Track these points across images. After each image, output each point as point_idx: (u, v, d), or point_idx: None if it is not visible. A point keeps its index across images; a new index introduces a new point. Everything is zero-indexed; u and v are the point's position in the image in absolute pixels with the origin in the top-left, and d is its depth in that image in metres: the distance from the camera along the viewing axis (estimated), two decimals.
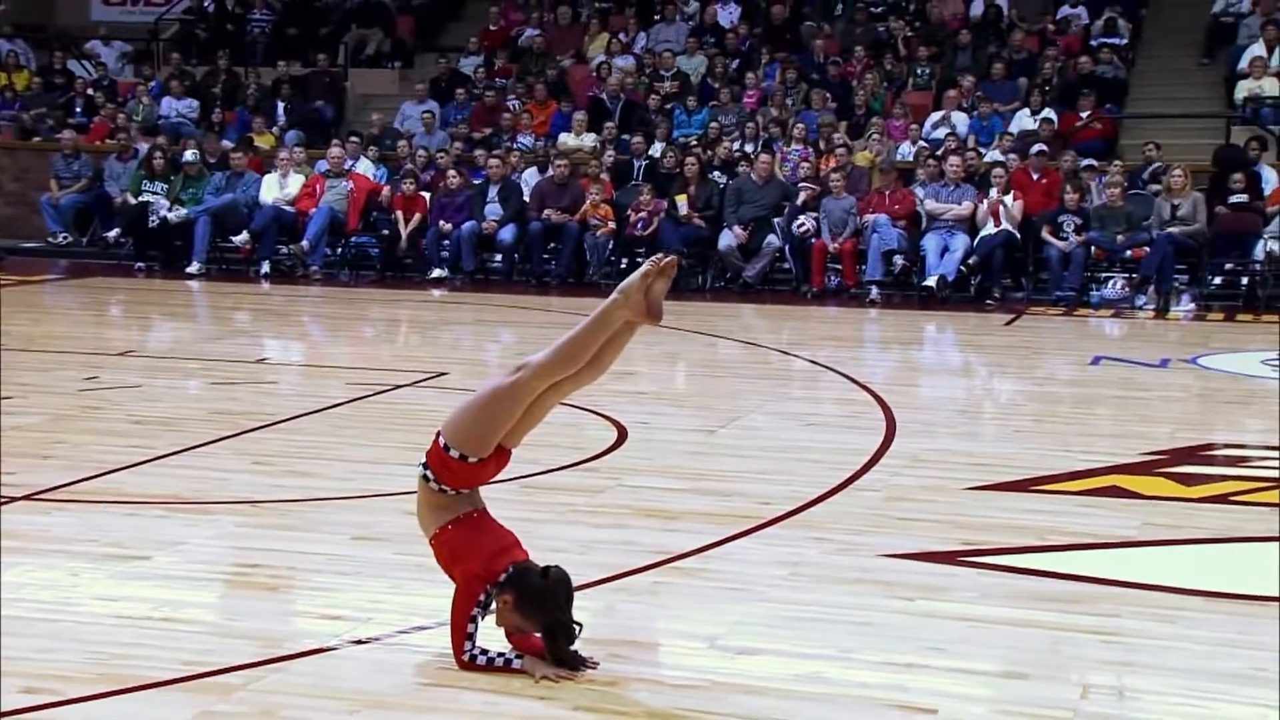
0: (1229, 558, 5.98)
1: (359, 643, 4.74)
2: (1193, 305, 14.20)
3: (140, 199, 16.73)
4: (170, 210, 16.51)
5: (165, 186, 16.77)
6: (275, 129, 18.84)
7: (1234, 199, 14.70)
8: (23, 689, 4.30)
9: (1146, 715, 4.28)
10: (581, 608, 4.53)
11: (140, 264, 16.61)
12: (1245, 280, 14.79)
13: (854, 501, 6.66)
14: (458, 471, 4.50)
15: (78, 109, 19.85)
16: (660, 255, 4.56)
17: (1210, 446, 8.07)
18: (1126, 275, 14.59)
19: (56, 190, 17.60)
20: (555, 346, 4.61)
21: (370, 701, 4.23)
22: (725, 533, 6.02)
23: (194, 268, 16.11)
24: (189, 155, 17.06)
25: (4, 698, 4.23)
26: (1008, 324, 13.33)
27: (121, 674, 4.41)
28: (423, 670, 4.52)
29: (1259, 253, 14.41)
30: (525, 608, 4.45)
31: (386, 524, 6.10)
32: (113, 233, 17.02)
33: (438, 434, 4.53)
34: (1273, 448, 8.04)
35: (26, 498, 6.49)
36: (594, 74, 19.06)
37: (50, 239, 17.49)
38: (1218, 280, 14.88)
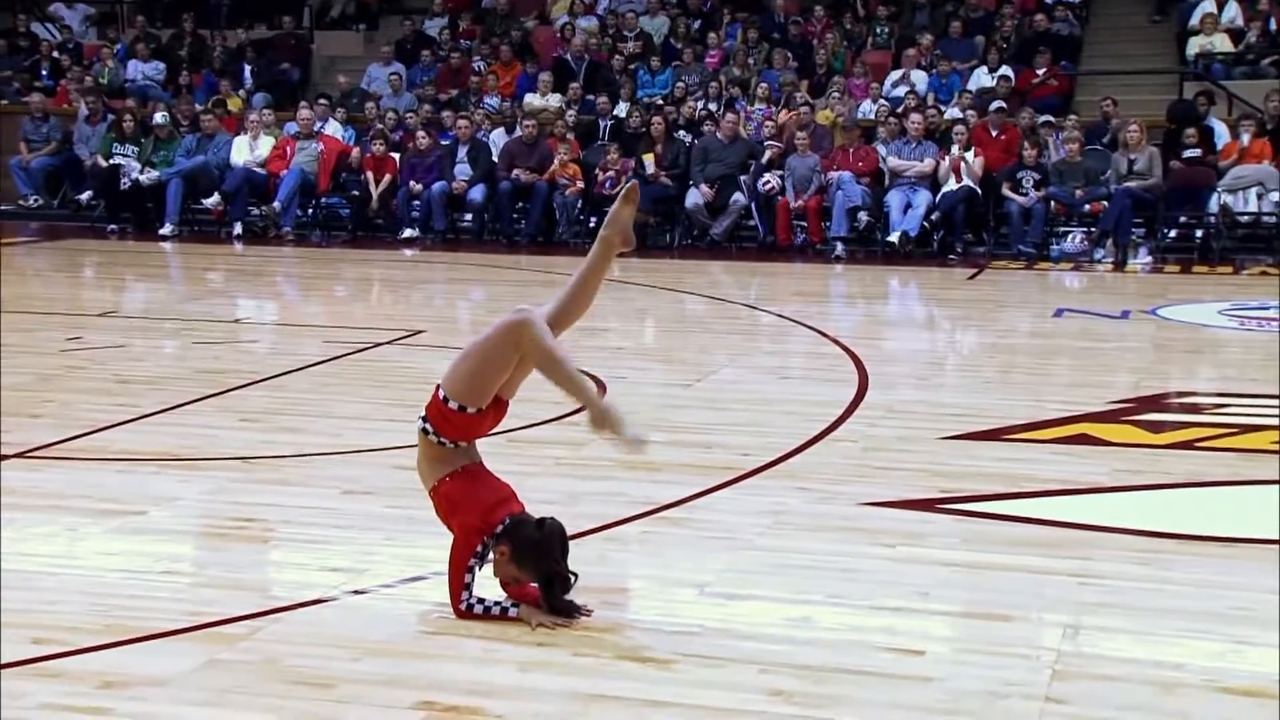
0: (1198, 501, 6.05)
1: (357, 593, 4.77)
2: (1150, 258, 14.26)
3: (111, 162, 16.59)
4: (142, 173, 16.38)
5: (136, 149, 16.62)
6: (242, 92, 18.69)
7: (1188, 154, 14.78)
8: (33, 640, 4.31)
9: (1124, 653, 4.34)
10: (574, 557, 4.55)
11: (113, 226, 16.51)
12: (1200, 233, 14.87)
13: (832, 452, 6.71)
14: (457, 423, 4.52)
15: (44, 72, 19.63)
16: (625, 180, 4.63)
17: (1173, 394, 8.16)
18: (1085, 230, 14.64)
19: (26, 153, 17.43)
20: (565, 296, 4.66)
21: (371, 649, 4.25)
22: (709, 483, 6.05)
23: (167, 230, 16.02)
24: (159, 118, 16.95)
25: (14, 648, 4.24)
26: (971, 278, 13.40)
27: (128, 625, 4.43)
28: (422, 619, 4.55)
29: (1213, 205, 14.49)
30: (522, 559, 4.48)
31: (375, 478, 6.12)
32: (84, 195, 16.91)
33: (437, 387, 4.54)
34: (1232, 394, 8.16)
35: (19, 455, 6.47)
36: (558, 35, 18.98)
37: (21, 202, 17.34)
38: (1173, 233, 14.96)
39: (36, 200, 17.30)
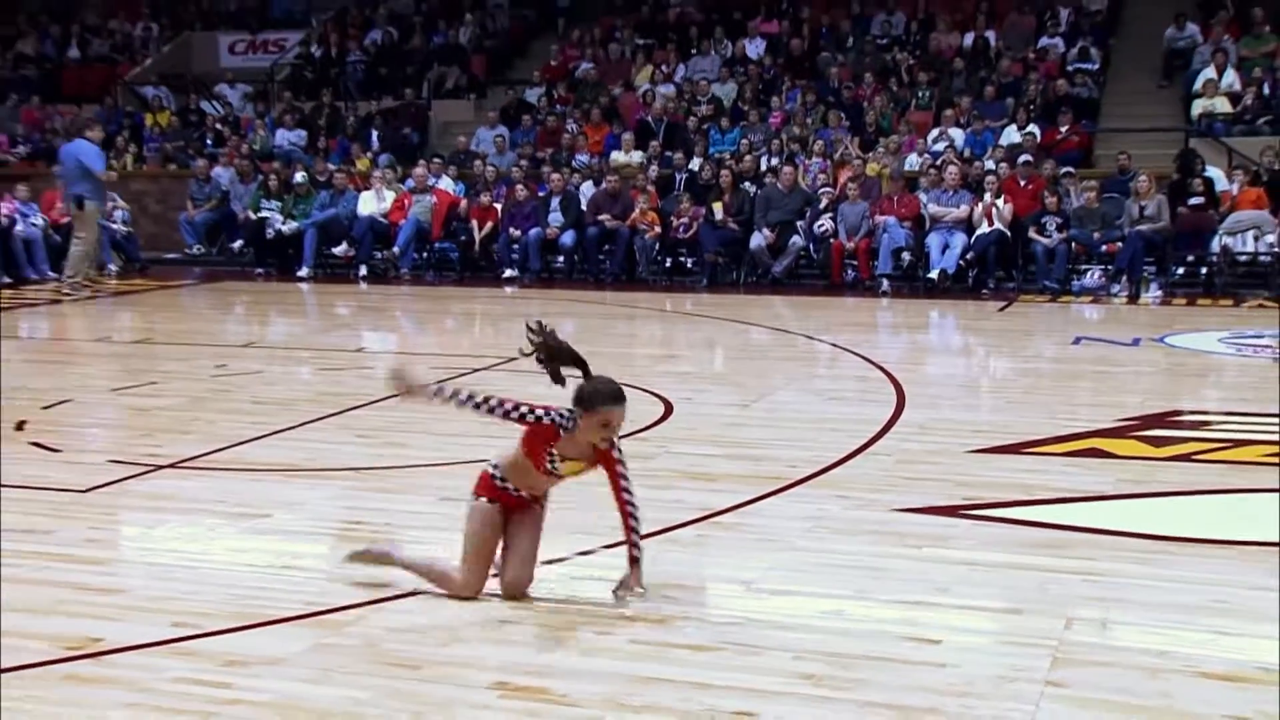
0: (1193, 508, 5.92)
1: None
2: (1159, 292, 14.05)
3: (259, 215, 16.86)
4: (284, 224, 16.64)
5: (280, 204, 16.88)
6: (370, 153, 18.91)
7: (1192, 201, 14.62)
8: (172, 623, 4.37)
9: (1124, 644, 4.25)
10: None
11: (259, 269, 16.76)
12: (1204, 270, 14.66)
13: (869, 464, 6.64)
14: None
15: (209, 141, 20.01)
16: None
17: (1176, 413, 8.00)
18: (1102, 267, 14.47)
19: (192, 209, 17.74)
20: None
21: (455, 636, 4.26)
22: (758, 492, 6.03)
23: (304, 272, 16.24)
24: (299, 177, 17.19)
25: (158, 630, 4.31)
26: (1001, 310, 13.24)
27: (252, 612, 4.47)
28: (501, 611, 4.53)
29: (1215, 246, 14.32)
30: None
31: (468, 487, 6.08)
32: (237, 244, 17.18)
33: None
34: (1229, 413, 7.99)
35: (171, 465, 6.58)
36: (640, 100, 19.04)
37: (186, 250, 17.64)
38: (1180, 270, 14.74)
39: (199, 249, 17.59)
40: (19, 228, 15.66)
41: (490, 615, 4.49)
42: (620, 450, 4.61)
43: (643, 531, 4.63)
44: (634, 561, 4.59)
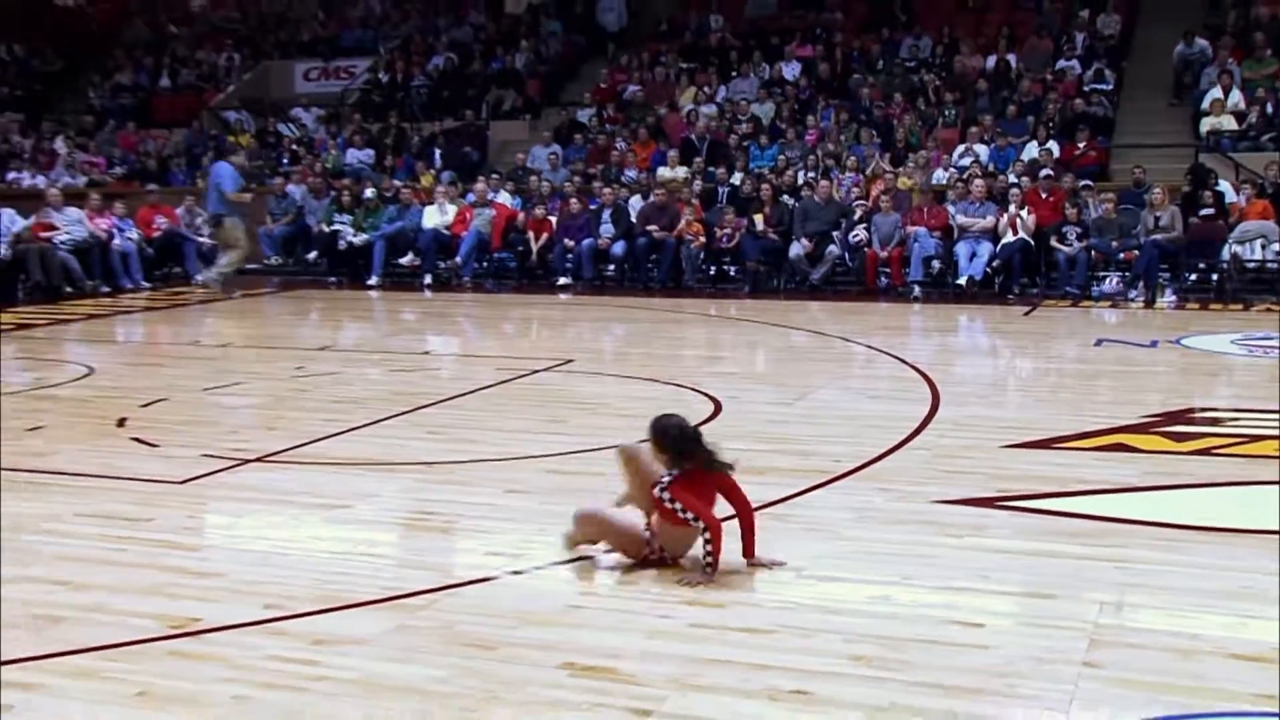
0: (1217, 499, 5.83)
1: (516, 573, 4.76)
2: (1174, 297, 13.86)
3: (332, 228, 16.94)
4: (354, 236, 16.71)
5: (351, 217, 16.95)
6: (433, 170, 18.96)
7: (1204, 212, 14.46)
8: (264, 605, 4.39)
9: (1156, 627, 4.19)
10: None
11: (332, 279, 16.82)
12: (1215, 277, 14.47)
13: (909, 458, 6.58)
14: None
15: (285, 160, 20.12)
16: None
17: (1195, 410, 7.88)
18: (1120, 274, 14.30)
19: (270, 223, 17.82)
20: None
21: (526, 619, 4.24)
22: (806, 484, 5.97)
23: (373, 281, 16.28)
24: (368, 192, 17.25)
25: (251, 611, 4.33)
26: (1026, 314, 13.09)
27: (335, 595, 4.48)
28: (568, 596, 4.54)
29: (1225, 255, 14.14)
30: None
31: (532, 480, 6.12)
32: (311, 255, 17.26)
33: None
34: (1243, 410, 7.86)
35: (258, 459, 6.61)
36: (685, 119, 18.99)
37: (266, 261, 17.72)
38: (1193, 277, 14.57)
39: (277, 259, 17.69)
40: (116, 241, 15.81)
41: (557, 600, 4.47)
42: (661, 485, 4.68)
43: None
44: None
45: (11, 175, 20.18)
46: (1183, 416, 7.61)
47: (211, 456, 6.61)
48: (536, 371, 9.35)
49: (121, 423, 7.54)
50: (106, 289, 15.34)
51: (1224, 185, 15.02)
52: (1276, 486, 5.88)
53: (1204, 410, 7.87)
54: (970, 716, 3.51)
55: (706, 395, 8.18)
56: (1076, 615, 4.26)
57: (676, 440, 4.72)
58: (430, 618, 4.27)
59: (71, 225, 15.54)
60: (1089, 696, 3.62)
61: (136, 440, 7.07)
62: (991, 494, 5.81)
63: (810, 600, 4.44)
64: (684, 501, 4.62)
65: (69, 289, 15.00)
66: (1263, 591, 4.47)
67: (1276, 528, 5.21)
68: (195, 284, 15.59)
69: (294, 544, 5.18)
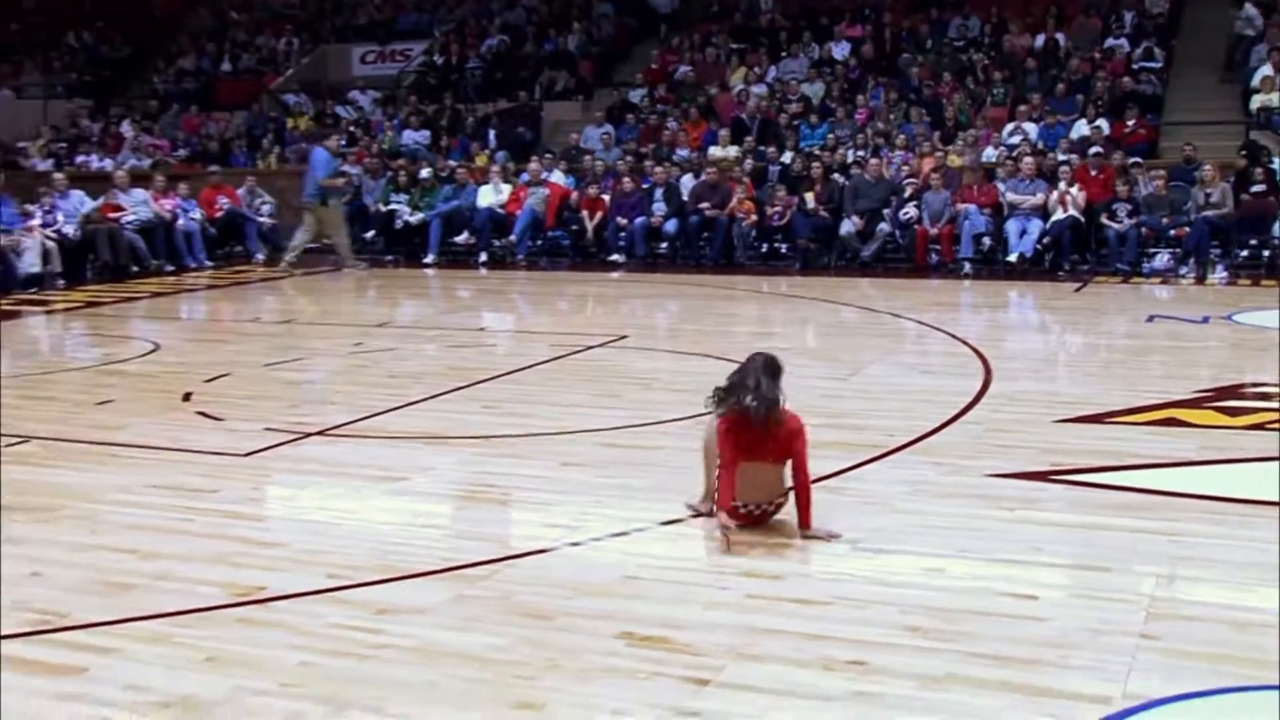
0: (1267, 473, 5.69)
1: (573, 545, 4.76)
2: (1225, 274, 13.60)
3: (388, 207, 16.99)
4: (411, 215, 16.74)
5: (407, 197, 16.99)
6: (488, 150, 18.94)
7: (1255, 188, 14.17)
8: (327, 574, 4.41)
9: (1206, 598, 4.11)
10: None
11: (389, 257, 16.86)
12: (1266, 253, 14.16)
13: (962, 433, 6.50)
14: None
15: (343, 141, 20.15)
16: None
17: (1246, 385, 7.73)
18: (1171, 251, 14.03)
19: None
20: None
21: (583, 589, 4.24)
22: (860, 458, 5.92)
23: (429, 259, 16.32)
24: (425, 172, 17.26)
25: (315, 580, 4.35)
26: (1076, 291, 12.89)
27: (396, 565, 4.50)
28: (623, 566, 4.51)
29: (1276, 231, 13.84)
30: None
31: (588, 454, 6.11)
32: (369, 234, 17.29)
33: None
34: None
35: (319, 433, 6.64)
36: (735, 99, 18.84)
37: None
38: (1244, 253, 14.26)
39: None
40: (180, 222, 15.94)
41: (614, 571, 4.46)
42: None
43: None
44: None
45: (80, 158, 20.42)
46: (1235, 391, 7.47)
47: (274, 430, 6.65)
48: (590, 348, 9.30)
49: (187, 397, 7.61)
50: (171, 268, 15.47)
51: (1277, 162, 14.73)
52: None
53: (1256, 385, 7.72)
54: (1025, 687, 3.46)
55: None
56: (1130, 588, 4.19)
57: (733, 377, 4.81)
58: (489, 588, 4.28)
59: (137, 206, 15.70)
60: (1146, 667, 3.56)
61: (202, 414, 7.13)
62: (1044, 468, 5.73)
63: (865, 572, 4.40)
64: (718, 439, 4.60)
65: (135, 268, 15.15)
66: None
67: None
68: (280, 267, 15.51)
69: (354, 515, 5.20)
